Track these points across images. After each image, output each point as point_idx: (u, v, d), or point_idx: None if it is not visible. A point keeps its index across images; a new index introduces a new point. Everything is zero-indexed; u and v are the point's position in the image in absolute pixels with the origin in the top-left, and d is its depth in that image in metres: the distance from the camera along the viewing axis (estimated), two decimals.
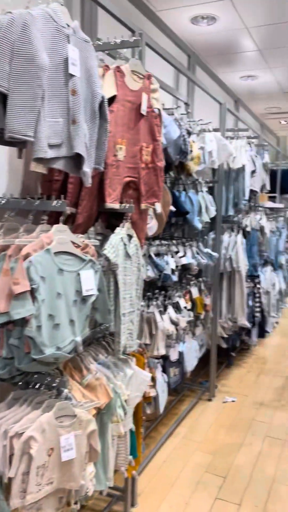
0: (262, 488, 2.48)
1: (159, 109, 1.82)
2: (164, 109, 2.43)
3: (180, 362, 2.95)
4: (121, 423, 1.80)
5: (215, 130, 3.27)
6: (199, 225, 2.88)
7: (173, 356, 2.86)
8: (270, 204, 5.11)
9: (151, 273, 2.50)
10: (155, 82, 1.82)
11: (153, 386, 2.34)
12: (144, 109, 1.75)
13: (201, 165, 2.93)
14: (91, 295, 1.49)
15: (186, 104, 3.34)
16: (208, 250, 3.10)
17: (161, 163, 1.84)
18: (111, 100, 1.65)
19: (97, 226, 1.80)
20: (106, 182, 1.66)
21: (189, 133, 2.69)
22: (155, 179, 1.83)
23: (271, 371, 4.21)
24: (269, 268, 4.78)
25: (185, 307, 2.87)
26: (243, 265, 3.55)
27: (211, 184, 3.45)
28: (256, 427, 3.15)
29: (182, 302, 2.85)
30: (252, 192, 4.04)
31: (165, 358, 2.76)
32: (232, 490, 2.45)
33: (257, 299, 4.12)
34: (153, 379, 2.34)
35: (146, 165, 1.80)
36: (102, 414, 1.74)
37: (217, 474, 2.61)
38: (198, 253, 2.97)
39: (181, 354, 2.95)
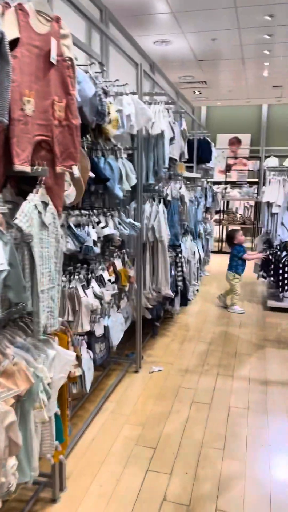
0: (192, 454, 2.50)
1: (71, 59, 1.61)
2: (76, 65, 2.20)
3: (105, 337, 2.85)
4: (44, 408, 1.64)
5: (132, 93, 3.10)
6: (120, 194, 2.74)
7: (98, 331, 2.74)
8: (188, 174, 5.10)
9: (71, 245, 2.32)
10: (65, 27, 1.60)
11: (79, 365, 2.20)
12: (53, 57, 1.54)
13: (119, 130, 2.76)
14: (1, 271, 1.29)
15: (101, 63, 3.11)
16: (131, 220, 2.98)
17: (77, 121, 1.64)
18: (14, 44, 1.41)
19: (6, 193, 1.57)
20: (13, 140, 1.43)
21: (106, 93, 2.49)
22: (71, 139, 1.63)
23: (194, 337, 4.29)
24: (189, 238, 4.81)
25: (109, 280, 2.75)
26: (166, 235, 3.49)
27: (130, 151, 3.30)
28: (183, 394, 3.18)
29: (106, 275, 2.72)
30: (171, 160, 3.97)
31: (90, 334, 2.63)
32: (163, 460, 2.44)
33: (179, 269, 4.12)
34: (78, 357, 2.20)
35: (60, 122, 1.60)
36: (23, 402, 1.58)
37: (147, 445, 2.58)
38: (120, 224, 2.84)
39: (106, 328, 2.84)
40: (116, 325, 3.01)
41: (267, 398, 3.12)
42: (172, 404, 3.04)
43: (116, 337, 3.00)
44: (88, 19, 2.44)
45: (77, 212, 2.50)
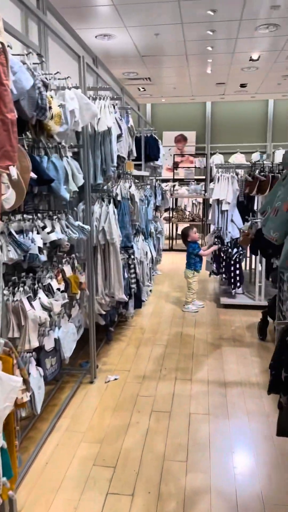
0: (154, 470, 2.36)
1: (2, 44, 1.40)
2: (12, 54, 1.98)
3: (57, 350, 2.64)
4: None
5: (75, 88, 2.90)
6: (66, 195, 2.53)
7: (48, 345, 2.53)
8: (137, 172, 4.96)
9: (13, 254, 2.09)
10: None
11: (26, 389, 1.98)
12: None
13: (63, 126, 2.55)
14: None
15: (39, 54, 2.88)
16: (79, 223, 2.78)
17: (12, 115, 1.43)
18: None
19: None
20: None
21: (46, 86, 2.28)
22: (6, 136, 1.42)
23: (150, 340, 4.16)
24: (140, 238, 4.68)
25: (58, 289, 2.54)
26: (117, 237, 3.32)
27: (76, 149, 3.10)
28: (141, 403, 3.03)
29: (55, 284, 2.51)
30: (120, 158, 3.80)
31: (39, 349, 2.41)
32: (124, 480, 2.28)
33: (132, 270, 3.97)
34: (26, 381, 1.98)
35: None
36: None
37: (106, 465, 2.41)
38: (68, 227, 2.63)
39: (57, 341, 2.64)
40: (67, 336, 2.80)
41: (226, 400, 3.05)
42: (131, 415, 2.89)
43: (68, 349, 2.80)
44: (23, 4, 2.21)
45: (19, 217, 2.27)
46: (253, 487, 2.23)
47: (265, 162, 4.65)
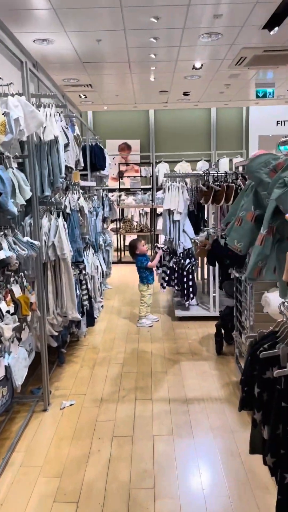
0: (120, 501, 2.19)
1: None
2: None
3: (8, 378, 2.41)
4: None
5: (18, 95, 2.70)
6: (14, 210, 2.32)
7: None
8: (84, 183, 4.78)
9: None
10: None
11: None
12: None
13: (7, 135, 2.35)
14: None
15: None
16: (28, 239, 2.58)
17: None
18: None
19: None
20: None
21: None
22: None
23: (105, 360, 3.97)
24: (91, 251, 4.49)
25: (8, 311, 2.31)
26: (68, 252, 3.13)
27: (21, 160, 2.89)
28: (101, 429, 2.85)
29: (4, 306, 2.29)
30: (67, 169, 3.62)
31: None
32: None
33: (84, 286, 3.78)
34: None
35: None
36: None
37: (68, 500, 2.21)
38: (16, 243, 2.42)
39: (7, 368, 2.40)
40: (19, 361, 2.58)
41: (190, 418, 2.94)
42: (91, 443, 2.70)
43: (20, 376, 2.57)
44: None
45: None
46: (224, 508, 2.14)
47: (216, 171, 4.64)
